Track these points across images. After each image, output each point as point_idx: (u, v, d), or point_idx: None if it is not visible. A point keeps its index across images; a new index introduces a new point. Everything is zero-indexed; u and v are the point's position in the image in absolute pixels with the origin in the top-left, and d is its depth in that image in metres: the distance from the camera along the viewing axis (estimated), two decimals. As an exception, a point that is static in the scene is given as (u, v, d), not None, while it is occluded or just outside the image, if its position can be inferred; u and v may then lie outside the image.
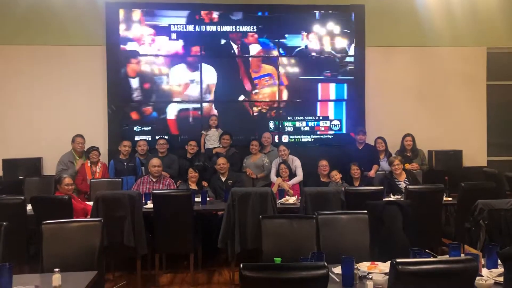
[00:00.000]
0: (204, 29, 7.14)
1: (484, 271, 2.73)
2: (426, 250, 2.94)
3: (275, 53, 7.27)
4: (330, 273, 2.24)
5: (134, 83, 7.07)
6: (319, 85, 7.34)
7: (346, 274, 2.57)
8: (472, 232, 3.85)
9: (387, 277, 2.33)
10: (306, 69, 7.32)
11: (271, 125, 7.26)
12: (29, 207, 4.63)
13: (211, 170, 6.16)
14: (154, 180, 5.63)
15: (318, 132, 7.33)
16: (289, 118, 7.30)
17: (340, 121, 7.37)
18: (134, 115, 7.09)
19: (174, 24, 7.08)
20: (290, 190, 5.82)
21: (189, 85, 7.17)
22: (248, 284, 2.12)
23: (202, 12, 7.11)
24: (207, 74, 7.17)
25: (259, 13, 7.30)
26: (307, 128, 7.33)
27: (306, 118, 7.32)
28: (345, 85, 7.36)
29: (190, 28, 7.12)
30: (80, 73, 7.01)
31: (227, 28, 7.18)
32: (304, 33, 7.30)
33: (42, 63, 6.97)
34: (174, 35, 7.07)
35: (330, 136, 7.35)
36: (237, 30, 7.18)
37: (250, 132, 7.14)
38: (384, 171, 6.28)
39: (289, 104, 7.32)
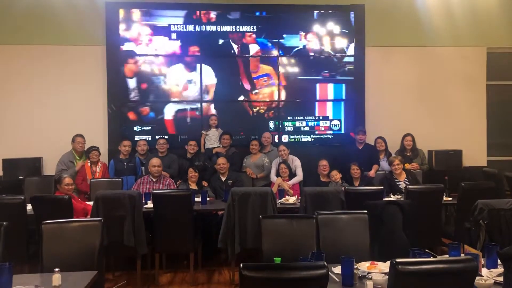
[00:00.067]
0: (204, 29, 7.13)
1: (484, 271, 2.73)
2: (426, 250, 2.94)
3: (275, 53, 7.27)
4: (330, 273, 2.24)
5: (132, 83, 7.06)
6: (317, 85, 7.33)
7: (346, 274, 2.57)
8: (472, 232, 3.85)
9: (387, 277, 2.33)
10: (304, 69, 7.32)
11: (271, 125, 7.27)
12: (29, 207, 4.64)
13: (211, 170, 6.16)
14: (154, 180, 5.63)
15: (317, 132, 7.33)
16: (289, 118, 7.30)
17: (340, 121, 7.37)
18: (135, 115, 7.08)
19: (174, 24, 7.08)
20: (290, 190, 5.83)
21: (187, 85, 7.16)
22: (248, 284, 2.12)
23: (200, 12, 7.09)
24: (205, 74, 7.15)
25: (257, 13, 7.30)
26: (307, 128, 7.33)
27: (306, 118, 7.32)
28: (343, 85, 7.34)
29: (190, 28, 7.10)
30: (80, 73, 7.01)
31: (226, 28, 7.16)
32: (302, 33, 7.29)
33: (42, 63, 6.97)
34: (174, 35, 7.07)
35: (330, 136, 7.35)
36: (237, 30, 7.17)
37: (250, 132, 7.15)
38: (384, 171, 6.28)
39: (288, 104, 7.32)
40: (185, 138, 6.89)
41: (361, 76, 7.37)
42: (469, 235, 3.91)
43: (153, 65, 7.09)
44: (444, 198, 5.21)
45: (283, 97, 7.31)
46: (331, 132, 7.35)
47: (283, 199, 5.33)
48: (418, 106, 7.50)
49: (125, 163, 6.19)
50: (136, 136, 6.89)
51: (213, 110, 7.16)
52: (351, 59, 7.36)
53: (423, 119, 7.44)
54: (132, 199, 4.59)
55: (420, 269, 2.16)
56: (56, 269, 2.62)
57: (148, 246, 4.74)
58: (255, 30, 7.21)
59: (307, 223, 3.35)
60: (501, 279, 2.51)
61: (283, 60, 7.30)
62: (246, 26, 7.20)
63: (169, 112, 7.13)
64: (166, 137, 6.74)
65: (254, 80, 7.25)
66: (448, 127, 7.52)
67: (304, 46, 7.30)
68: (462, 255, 2.83)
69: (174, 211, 4.67)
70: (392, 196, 5.38)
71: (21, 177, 6.35)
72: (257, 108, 7.28)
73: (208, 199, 5.31)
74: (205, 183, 5.90)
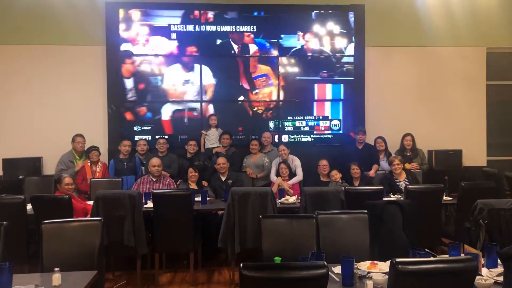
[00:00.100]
0: (204, 29, 7.13)
1: (484, 270, 2.73)
2: (426, 250, 2.94)
3: (274, 53, 7.27)
4: (330, 273, 2.24)
5: (129, 83, 7.05)
6: (315, 85, 7.32)
7: (346, 273, 2.57)
8: (472, 232, 3.85)
9: (387, 276, 2.33)
10: (303, 69, 7.31)
11: (271, 125, 7.27)
12: (29, 206, 4.64)
13: (211, 169, 6.16)
14: (154, 179, 5.63)
15: (317, 132, 7.32)
16: (289, 118, 7.30)
17: (340, 121, 7.37)
18: (135, 115, 7.07)
19: (173, 24, 7.08)
20: (290, 189, 5.83)
21: (185, 86, 7.14)
22: (248, 283, 2.12)
23: (198, 12, 7.07)
24: (203, 74, 7.15)
25: (255, 13, 7.29)
26: (307, 128, 7.32)
27: (306, 118, 7.32)
28: (342, 85, 7.33)
29: (190, 28, 7.10)
30: (80, 73, 7.01)
31: (224, 28, 7.15)
32: (300, 33, 7.29)
33: (42, 63, 6.97)
34: (174, 35, 7.07)
35: (330, 136, 7.35)
36: (237, 30, 7.17)
37: (249, 132, 7.15)
38: (384, 170, 6.28)
39: (288, 104, 7.31)
40: (185, 138, 6.89)
41: (361, 76, 7.37)
42: (469, 235, 3.90)
43: (151, 65, 7.08)
44: (444, 198, 5.21)
45: (282, 97, 7.30)
46: (330, 132, 7.35)
47: (283, 199, 5.33)
48: (418, 106, 7.50)
49: (125, 163, 6.19)
50: (136, 136, 6.89)
51: (211, 110, 7.15)
52: (351, 59, 7.36)
53: (423, 119, 7.44)
54: (132, 199, 4.59)
55: (420, 269, 2.16)
56: (56, 269, 2.62)
57: (148, 246, 4.74)
58: (254, 30, 7.21)
59: (307, 223, 3.35)
60: (501, 279, 2.51)
61: (282, 60, 7.30)
62: (244, 26, 7.19)
63: (167, 112, 7.12)
64: (166, 137, 6.74)
65: (254, 80, 7.25)
66: (448, 127, 7.52)
67: (302, 46, 7.30)
68: (462, 255, 2.83)
69: (174, 211, 4.67)
70: (392, 196, 5.38)
71: (21, 177, 6.36)
72: (257, 108, 7.28)
73: (208, 199, 5.31)
74: (205, 183, 5.90)
